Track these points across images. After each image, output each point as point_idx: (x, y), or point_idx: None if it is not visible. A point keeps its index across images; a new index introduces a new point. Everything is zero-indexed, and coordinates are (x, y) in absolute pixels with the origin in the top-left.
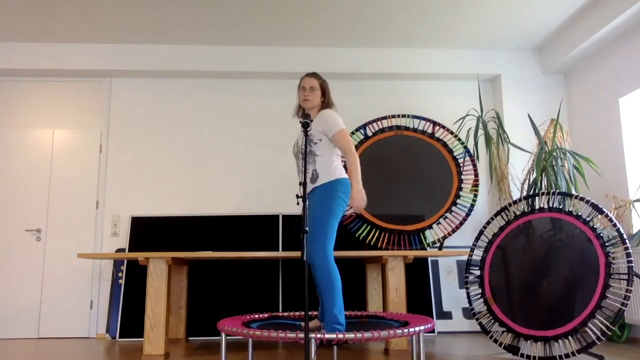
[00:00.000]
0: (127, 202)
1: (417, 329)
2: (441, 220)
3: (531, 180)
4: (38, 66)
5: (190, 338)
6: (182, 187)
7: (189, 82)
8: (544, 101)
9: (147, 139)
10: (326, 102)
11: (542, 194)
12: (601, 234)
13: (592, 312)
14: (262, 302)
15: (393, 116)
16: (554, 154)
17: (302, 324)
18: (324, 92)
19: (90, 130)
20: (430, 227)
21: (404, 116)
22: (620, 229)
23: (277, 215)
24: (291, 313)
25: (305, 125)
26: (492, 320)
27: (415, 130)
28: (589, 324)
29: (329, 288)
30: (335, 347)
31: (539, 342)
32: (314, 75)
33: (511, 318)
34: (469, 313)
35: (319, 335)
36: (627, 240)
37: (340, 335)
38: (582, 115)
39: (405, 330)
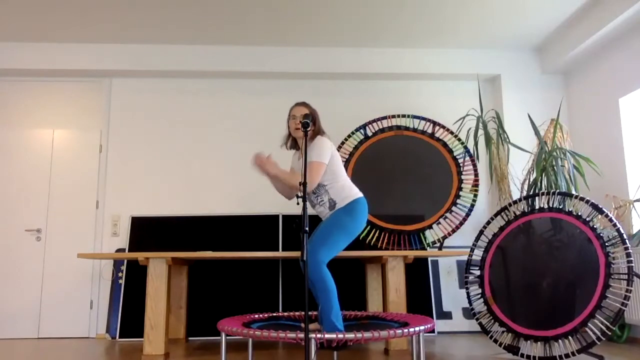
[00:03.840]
0: (127, 202)
1: (417, 329)
2: (441, 220)
3: (531, 180)
4: (38, 66)
5: (190, 338)
6: (182, 187)
7: (189, 82)
8: (544, 101)
9: (147, 139)
10: (316, 130)
11: (542, 194)
12: (601, 234)
13: (592, 312)
14: (262, 302)
15: (393, 116)
16: (554, 154)
17: (302, 325)
18: (314, 120)
19: (90, 130)
20: (430, 227)
21: (404, 116)
22: (620, 229)
23: (277, 215)
24: (291, 313)
25: (306, 125)
26: (492, 320)
27: (415, 130)
28: (589, 324)
29: (324, 295)
30: (335, 353)
31: (539, 342)
32: (303, 104)
33: (511, 318)
34: (469, 313)
35: (319, 335)
36: (627, 240)
37: (340, 336)
38: (582, 115)
39: (405, 331)
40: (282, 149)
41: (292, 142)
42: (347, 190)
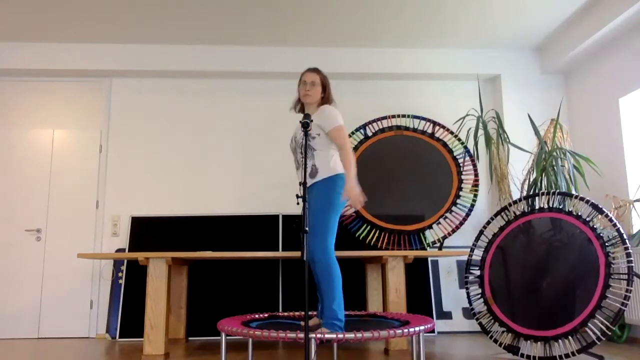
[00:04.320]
0: (127, 202)
1: (417, 329)
2: (441, 220)
3: (531, 180)
4: (38, 66)
5: (190, 338)
6: (182, 187)
7: (189, 82)
8: (544, 101)
9: (147, 139)
10: (326, 98)
11: (542, 194)
12: (601, 234)
13: (592, 312)
14: (262, 302)
15: (393, 116)
16: (554, 154)
17: (302, 323)
18: (325, 87)
19: (90, 130)
20: (430, 227)
21: (404, 116)
22: (620, 229)
23: (277, 215)
24: (291, 313)
25: (305, 125)
26: (492, 320)
27: (415, 130)
28: (589, 324)
29: (328, 283)
30: (335, 345)
31: (539, 342)
32: (315, 70)
33: (511, 318)
34: (469, 313)
35: (319, 335)
36: (627, 240)
37: (340, 336)
38: (582, 115)
39: (405, 330)
40: (292, 115)
41: (301, 107)
42: (332, 164)
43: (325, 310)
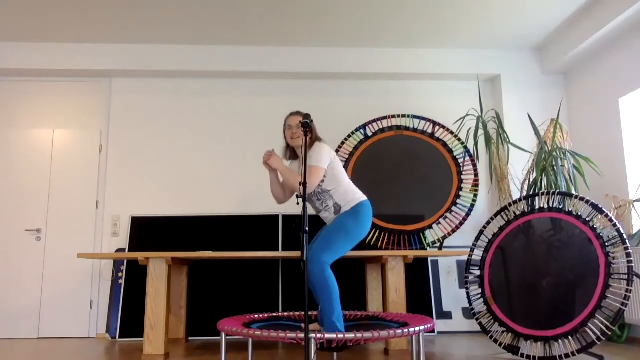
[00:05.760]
0: (127, 202)
1: (417, 329)
2: (441, 220)
3: (531, 180)
4: (38, 66)
5: (190, 338)
6: (182, 187)
7: (189, 82)
8: (544, 101)
9: (147, 139)
10: (314, 138)
11: (542, 194)
12: (601, 234)
13: (592, 312)
14: (262, 302)
15: (393, 116)
16: (554, 154)
17: (302, 325)
18: (311, 128)
19: (90, 130)
20: (430, 227)
21: (404, 116)
22: (620, 229)
23: (277, 215)
24: (291, 313)
25: (306, 126)
26: (492, 320)
27: (415, 130)
28: (589, 324)
29: (326, 296)
30: (335, 354)
31: (539, 342)
32: (298, 113)
33: (511, 318)
34: (469, 313)
35: (319, 335)
36: (627, 240)
37: (340, 336)
38: (582, 115)
39: (405, 331)
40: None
41: (292, 152)
42: (351, 194)
43: (325, 324)
